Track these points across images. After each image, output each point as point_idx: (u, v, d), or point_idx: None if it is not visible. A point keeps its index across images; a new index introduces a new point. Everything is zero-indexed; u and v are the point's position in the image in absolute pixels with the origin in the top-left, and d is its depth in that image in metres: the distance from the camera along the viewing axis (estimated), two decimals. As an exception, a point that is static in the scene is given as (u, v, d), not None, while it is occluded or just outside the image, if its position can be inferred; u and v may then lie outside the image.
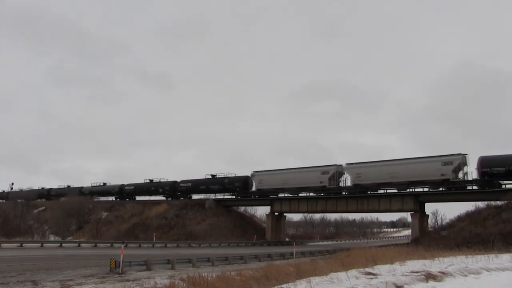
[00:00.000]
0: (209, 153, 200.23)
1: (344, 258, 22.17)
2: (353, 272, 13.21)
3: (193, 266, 23.35)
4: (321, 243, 60.72)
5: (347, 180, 48.37)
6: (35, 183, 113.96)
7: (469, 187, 39.85)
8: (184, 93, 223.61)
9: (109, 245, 39.20)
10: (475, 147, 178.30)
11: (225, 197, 59.36)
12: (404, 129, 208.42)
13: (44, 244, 38.16)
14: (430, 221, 47.01)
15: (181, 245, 41.15)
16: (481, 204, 38.83)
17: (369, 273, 13.18)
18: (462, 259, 18.45)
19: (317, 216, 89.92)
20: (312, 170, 50.34)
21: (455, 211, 42.87)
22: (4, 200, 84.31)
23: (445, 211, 51.35)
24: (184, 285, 14.22)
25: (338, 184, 48.92)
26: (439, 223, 47.92)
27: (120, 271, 19.59)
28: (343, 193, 48.14)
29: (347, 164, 49.13)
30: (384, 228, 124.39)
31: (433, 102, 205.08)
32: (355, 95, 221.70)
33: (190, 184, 63.10)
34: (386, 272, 13.76)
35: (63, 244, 39.02)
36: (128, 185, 72.10)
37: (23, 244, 36.09)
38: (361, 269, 14.14)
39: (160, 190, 66.04)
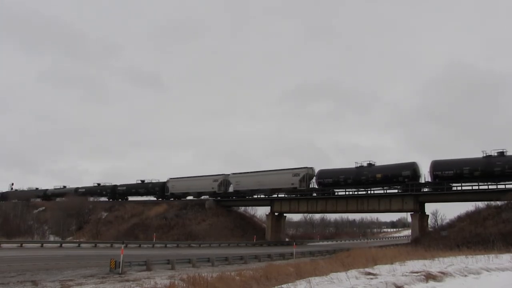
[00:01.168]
0: (205, 153, 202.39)
1: (344, 258, 22.17)
2: (353, 272, 13.21)
3: (193, 266, 23.35)
4: (321, 243, 60.72)
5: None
6: (33, 183, 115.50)
7: (468, 187, 39.84)
8: (178, 94, 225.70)
9: (109, 245, 39.20)
10: (469, 147, 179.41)
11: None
12: (397, 129, 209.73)
13: (44, 244, 38.17)
14: (430, 221, 47.04)
15: (181, 245, 41.15)
16: (481, 204, 38.89)
17: (369, 273, 13.18)
18: (462, 259, 18.46)
19: (317, 216, 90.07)
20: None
21: (455, 211, 42.96)
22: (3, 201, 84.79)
23: (445, 211, 51.38)
24: (184, 285, 14.23)
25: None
26: (439, 223, 47.93)
27: (120, 271, 19.58)
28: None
29: (232, 173, 58.64)
30: (384, 228, 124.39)
31: (425, 103, 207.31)
32: (348, 96, 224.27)
33: (125, 188, 71.48)
34: (386, 272, 13.76)
35: (63, 244, 39.02)
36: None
37: (23, 244, 36.09)
38: (361, 269, 14.14)
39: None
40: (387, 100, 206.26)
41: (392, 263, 16.88)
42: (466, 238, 33.19)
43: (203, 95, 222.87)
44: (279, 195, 53.75)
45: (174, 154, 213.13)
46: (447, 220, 45.27)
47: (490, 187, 38.48)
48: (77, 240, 46.40)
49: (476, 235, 32.98)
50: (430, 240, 35.50)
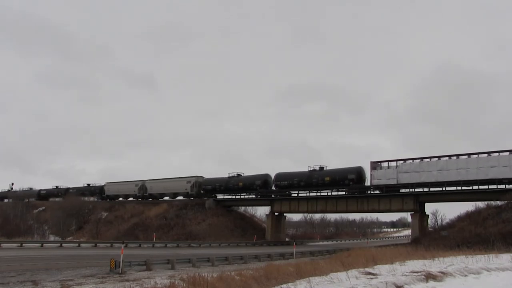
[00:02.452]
0: (201, 153, 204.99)
1: (344, 258, 22.15)
2: (353, 272, 13.21)
3: (193, 266, 23.34)
4: (321, 243, 60.70)
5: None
6: (30, 183, 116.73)
7: (467, 188, 39.81)
8: (171, 95, 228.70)
9: (109, 245, 39.19)
10: (462, 146, 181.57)
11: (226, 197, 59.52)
12: (390, 129, 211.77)
13: (44, 244, 38.14)
14: (430, 221, 47.01)
15: (181, 245, 41.15)
16: (481, 204, 38.88)
17: (369, 273, 13.18)
18: (462, 259, 18.44)
19: (317, 216, 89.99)
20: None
21: (455, 211, 42.96)
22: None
23: (445, 211, 51.40)
24: (184, 285, 14.22)
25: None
26: (439, 223, 47.91)
27: (120, 271, 19.58)
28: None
29: (149, 180, 68.83)
30: (384, 228, 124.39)
31: (417, 103, 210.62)
32: (341, 97, 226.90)
33: (75, 190, 78.68)
34: (386, 272, 13.76)
35: (63, 244, 39.02)
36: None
37: (23, 244, 36.05)
38: (361, 269, 14.14)
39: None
40: (380, 100, 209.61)
41: (392, 263, 16.87)
42: (466, 238, 33.16)
43: (197, 95, 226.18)
44: (278, 196, 53.75)
45: (170, 154, 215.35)
46: (447, 220, 45.35)
47: (490, 187, 38.42)
48: (77, 240, 46.39)
49: (476, 235, 32.96)
50: (430, 240, 35.45)
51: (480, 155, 39.06)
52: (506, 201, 35.35)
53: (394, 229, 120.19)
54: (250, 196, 56.45)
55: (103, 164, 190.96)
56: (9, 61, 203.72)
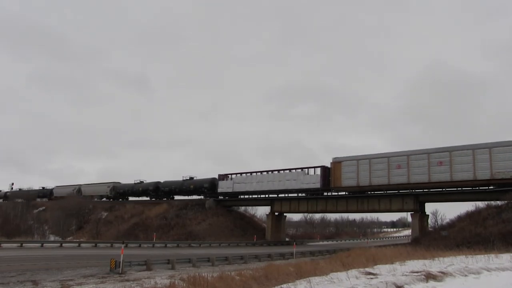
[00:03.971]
0: (197, 153, 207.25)
1: (344, 258, 22.16)
2: (353, 272, 13.22)
3: (193, 266, 23.34)
4: (321, 243, 60.72)
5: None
6: (28, 183, 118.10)
7: (467, 188, 39.83)
8: (165, 95, 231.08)
9: (109, 245, 39.19)
10: (452, 145, 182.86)
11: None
12: (382, 129, 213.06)
13: (44, 244, 38.12)
14: (430, 221, 46.98)
15: (181, 245, 41.14)
16: (481, 204, 38.82)
17: (369, 273, 13.18)
18: (462, 259, 18.45)
19: (317, 216, 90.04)
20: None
21: (455, 211, 42.97)
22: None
23: (445, 211, 51.42)
24: (184, 285, 14.23)
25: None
26: (439, 223, 47.88)
27: (120, 271, 19.58)
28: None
29: (84, 184, 79.30)
30: (384, 228, 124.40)
31: (407, 103, 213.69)
32: (333, 98, 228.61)
33: (10, 193, 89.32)
34: (386, 272, 13.76)
35: (63, 244, 39.01)
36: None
37: (23, 244, 36.05)
38: (361, 269, 14.14)
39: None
40: (371, 101, 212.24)
41: (392, 263, 16.88)
42: (466, 238, 33.14)
43: (190, 96, 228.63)
44: (279, 196, 53.81)
45: (166, 154, 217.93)
46: (447, 220, 45.30)
47: (490, 187, 38.47)
48: (77, 240, 46.39)
49: (476, 235, 32.94)
50: (430, 240, 35.47)
51: (283, 171, 52.73)
52: (506, 201, 35.32)
53: (394, 229, 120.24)
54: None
55: (100, 164, 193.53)
56: (3, 63, 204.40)
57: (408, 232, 71.22)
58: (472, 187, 39.53)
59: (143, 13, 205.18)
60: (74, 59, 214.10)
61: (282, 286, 11.41)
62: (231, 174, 57.32)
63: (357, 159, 46.42)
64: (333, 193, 48.97)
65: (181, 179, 64.11)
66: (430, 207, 72.69)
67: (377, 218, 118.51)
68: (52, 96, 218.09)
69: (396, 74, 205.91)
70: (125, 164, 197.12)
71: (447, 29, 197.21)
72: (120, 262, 19.85)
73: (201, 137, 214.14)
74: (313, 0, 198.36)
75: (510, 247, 25.99)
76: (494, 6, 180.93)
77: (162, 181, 66.84)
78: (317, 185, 48.49)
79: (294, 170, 51.33)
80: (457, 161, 39.46)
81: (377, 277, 12.14)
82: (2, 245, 34.02)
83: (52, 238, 56.54)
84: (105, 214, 66.44)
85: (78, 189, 77.28)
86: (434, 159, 41.02)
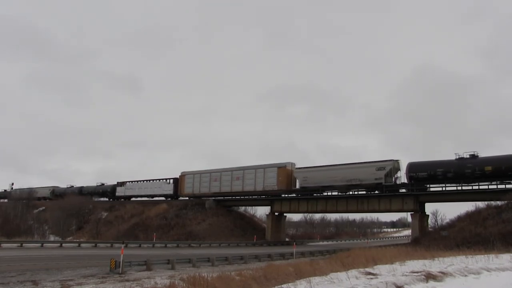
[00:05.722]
0: (192, 153, 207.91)
1: (344, 258, 22.15)
2: (353, 272, 13.21)
3: (193, 266, 23.34)
4: (321, 243, 60.69)
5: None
6: (25, 184, 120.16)
7: (467, 188, 39.82)
8: (158, 97, 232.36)
9: (109, 245, 39.19)
10: (444, 146, 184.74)
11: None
12: (374, 130, 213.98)
13: (44, 244, 38.11)
14: (430, 221, 47.04)
15: (181, 245, 41.14)
16: (481, 204, 38.82)
17: (369, 273, 13.18)
18: (462, 259, 18.44)
19: (317, 216, 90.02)
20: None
21: (455, 211, 42.99)
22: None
23: (445, 211, 51.47)
24: (184, 285, 14.23)
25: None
26: (439, 223, 47.95)
27: (120, 271, 19.59)
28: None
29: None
30: (384, 228, 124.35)
31: (398, 104, 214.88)
32: (325, 99, 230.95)
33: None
34: (386, 272, 13.76)
35: (63, 244, 39.00)
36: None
37: (23, 244, 36.04)
38: (361, 269, 14.14)
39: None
40: (363, 101, 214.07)
41: (392, 263, 16.87)
42: (466, 238, 33.15)
43: (184, 98, 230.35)
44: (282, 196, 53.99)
45: (161, 155, 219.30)
46: (447, 220, 45.37)
47: (490, 187, 38.49)
48: (77, 240, 46.38)
49: (476, 235, 32.96)
50: (430, 240, 35.47)
51: (152, 181, 67.10)
52: (506, 201, 35.34)
53: (394, 229, 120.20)
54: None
55: (97, 165, 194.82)
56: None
57: (408, 232, 71.23)
58: (472, 187, 39.56)
59: (136, 15, 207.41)
60: (67, 61, 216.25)
61: (282, 286, 11.40)
62: (127, 181, 71.64)
63: (193, 174, 61.55)
64: (333, 193, 48.83)
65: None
66: (430, 207, 72.88)
67: (377, 218, 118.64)
68: (44, 96, 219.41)
69: (388, 75, 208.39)
70: (122, 164, 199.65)
71: (437, 31, 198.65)
72: (120, 262, 19.85)
73: (196, 138, 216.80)
74: (303, 4, 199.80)
75: (510, 247, 26.00)
76: (482, 5, 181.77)
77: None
78: (171, 192, 63.69)
79: (158, 180, 66.61)
80: (246, 177, 54.49)
81: (377, 277, 12.13)
82: (2, 245, 34.01)
83: (52, 238, 56.53)
84: (105, 214, 66.45)
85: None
86: (234, 175, 55.91)
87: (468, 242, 31.30)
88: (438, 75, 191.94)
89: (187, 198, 61.56)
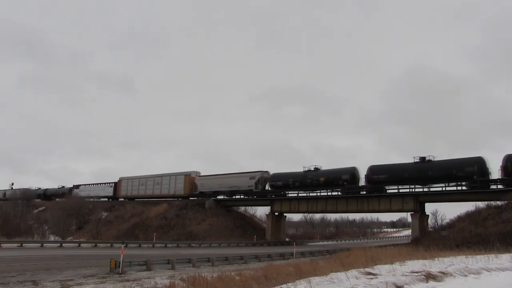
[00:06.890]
0: (188, 154, 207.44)
1: (344, 258, 22.16)
2: (353, 272, 13.22)
3: (193, 266, 23.35)
4: (321, 243, 60.68)
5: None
6: (25, 184, 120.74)
7: (467, 188, 39.81)
8: (153, 98, 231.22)
9: (109, 245, 39.19)
10: (435, 146, 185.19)
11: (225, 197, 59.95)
12: (369, 131, 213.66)
13: (44, 244, 38.11)
14: (430, 221, 47.01)
15: (181, 245, 41.14)
16: (481, 204, 38.76)
17: (369, 273, 13.18)
18: (462, 259, 18.43)
19: (317, 216, 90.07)
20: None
21: (455, 211, 42.98)
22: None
23: (445, 211, 51.48)
24: (184, 285, 14.24)
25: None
26: (439, 223, 47.94)
27: (120, 271, 19.59)
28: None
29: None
30: (384, 228, 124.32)
31: (390, 105, 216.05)
32: (320, 100, 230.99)
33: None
34: (386, 272, 13.76)
35: (63, 244, 38.98)
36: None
37: (23, 244, 36.04)
38: (361, 269, 14.14)
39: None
40: (357, 102, 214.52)
41: (392, 263, 16.86)
42: (466, 238, 33.12)
43: (178, 99, 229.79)
44: (279, 196, 53.93)
45: (158, 155, 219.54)
46: (447, 220, 45.35)
47: (491, 187, 38.52)
48: (77, 240, 46.35)
49: (476, 235, 32.92)
50: (430, 240, 35.43)
51: (98, 184, 78.31)
52: (506, 201, 35.32)
53: (394, 229, 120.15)
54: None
55: (95, 165, 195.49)
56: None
57: (408, 232, 71.21)
58: (472, 187, 39.56)
59: (131, 16, 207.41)
60: (62, 62, 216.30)
61: (282, 286, 11.41)
62: (81, 185, 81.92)
63: (127, 179, 72.25)
64: (333, 193, 48.91)
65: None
66: (430, 207, 72.90)
67: (377, 218, 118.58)
68: (40, 97, 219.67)
69: (381, 76, 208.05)
70: (119, 164, 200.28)
71: (428, 31, 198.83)
72: (120, 262, 19.86)
73: (191, 138, 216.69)
74: (297, 5, 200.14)
75: (510, 247, 25.98)
76: (473, 6, 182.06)
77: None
78: (111, 194, 73.99)
79: (103, 184, 77.22)
80: (163, 183, 64.93)
81: (377, 277, 12.14)
82: (2, 245, 34.00)
83: (52, 238, 56.49)
84: (105, 214, 66.45)
85: (4, 193, 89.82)
86: (155, 181, 66.58)
87: (468, 242, 31.27)
88: (430, 76, 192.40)
89: (124, 199, 72.29)
